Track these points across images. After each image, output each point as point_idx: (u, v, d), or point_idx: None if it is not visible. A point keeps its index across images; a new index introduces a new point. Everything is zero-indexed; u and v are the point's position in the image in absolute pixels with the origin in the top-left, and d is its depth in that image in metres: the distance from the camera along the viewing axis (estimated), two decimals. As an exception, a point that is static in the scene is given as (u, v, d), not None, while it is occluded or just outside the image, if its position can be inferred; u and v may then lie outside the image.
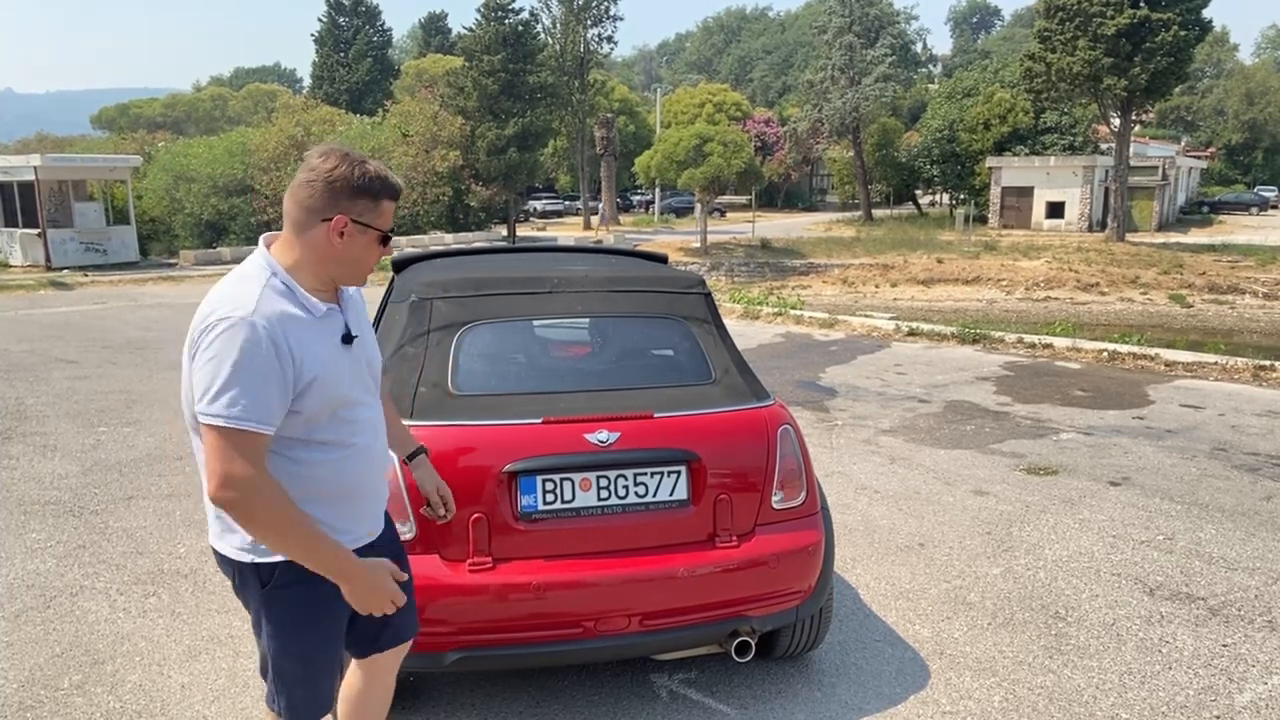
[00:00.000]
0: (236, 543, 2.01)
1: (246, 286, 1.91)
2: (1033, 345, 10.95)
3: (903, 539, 4.93)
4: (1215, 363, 9.62)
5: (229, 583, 2.13)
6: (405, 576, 2.12)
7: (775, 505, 3.11)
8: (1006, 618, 4.00)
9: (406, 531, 2.79)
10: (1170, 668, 3.57)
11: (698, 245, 33.77)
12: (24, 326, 13.55)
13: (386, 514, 2.32)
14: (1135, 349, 10.40)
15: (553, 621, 2.86)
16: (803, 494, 3.19)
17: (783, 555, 3.04)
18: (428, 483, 2.50)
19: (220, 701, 3.33)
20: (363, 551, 2.11)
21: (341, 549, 1.97)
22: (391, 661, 2.38)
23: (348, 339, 2.04)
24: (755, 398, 3.25)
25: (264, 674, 2.17)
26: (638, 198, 59.94)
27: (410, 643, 2.39)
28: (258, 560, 2.01)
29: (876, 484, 5.89)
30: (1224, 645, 3.74)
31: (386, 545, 2.26)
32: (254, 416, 1.83)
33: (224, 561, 2.08)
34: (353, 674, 2.42)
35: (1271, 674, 3.53)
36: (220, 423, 1.81)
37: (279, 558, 1.98)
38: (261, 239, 2.04)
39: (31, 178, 23.28)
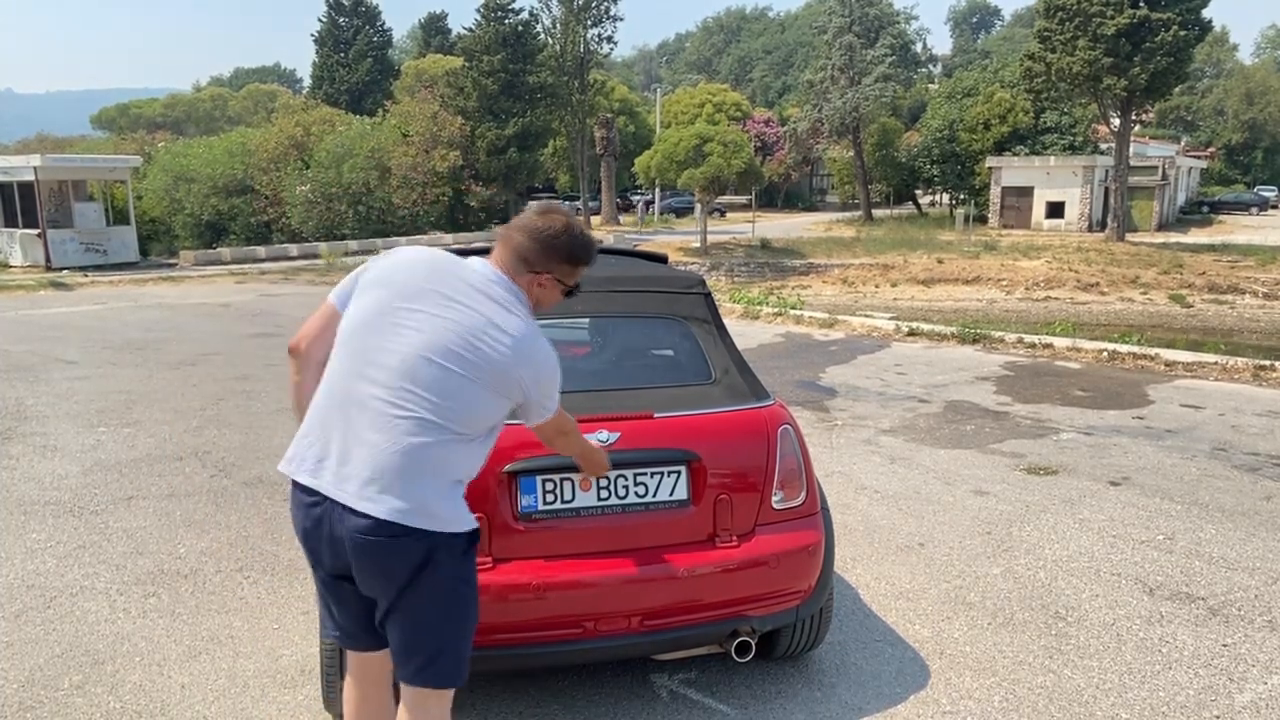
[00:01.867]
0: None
1: (523, 309, 2.34)
2: (1033, 345, 10.95)
3: (903, 539, 4.93)
4: (1215, 363, 9.62)
5: (384, 564, 2.15)
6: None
7: (775, 505, 3.11)
8: (1006, 618, 4.00)
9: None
10: (1170, 668, 3.57)
11: (698, 245, 33.77)
12: (24, 327, 13.55)
13: None
14: (1135, 349, 10.40)
15: (553, 622, 2.86)
16: (803, 494, 3.18)
17: (783, 555, 3.04)
18: None
19: (220, 701, 3.33)
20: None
21: (580, 439, 2.61)
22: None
23: None
24: (755, 397, 3.25)
25: (429, 665, 2.22)
26: (637, 198, 59.90)
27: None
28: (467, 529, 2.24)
29: (876, 484, 5.89)
30: (1224, 645, 3.74)
31: None
32: None
33: (413, 537, 2.12)
34: (351, 681, 2.44)
35: (1271, 674, 3.53)
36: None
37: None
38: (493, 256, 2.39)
39: (31, 178, 23.27)
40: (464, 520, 2.20)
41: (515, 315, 2.24)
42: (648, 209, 40.43)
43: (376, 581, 2.17)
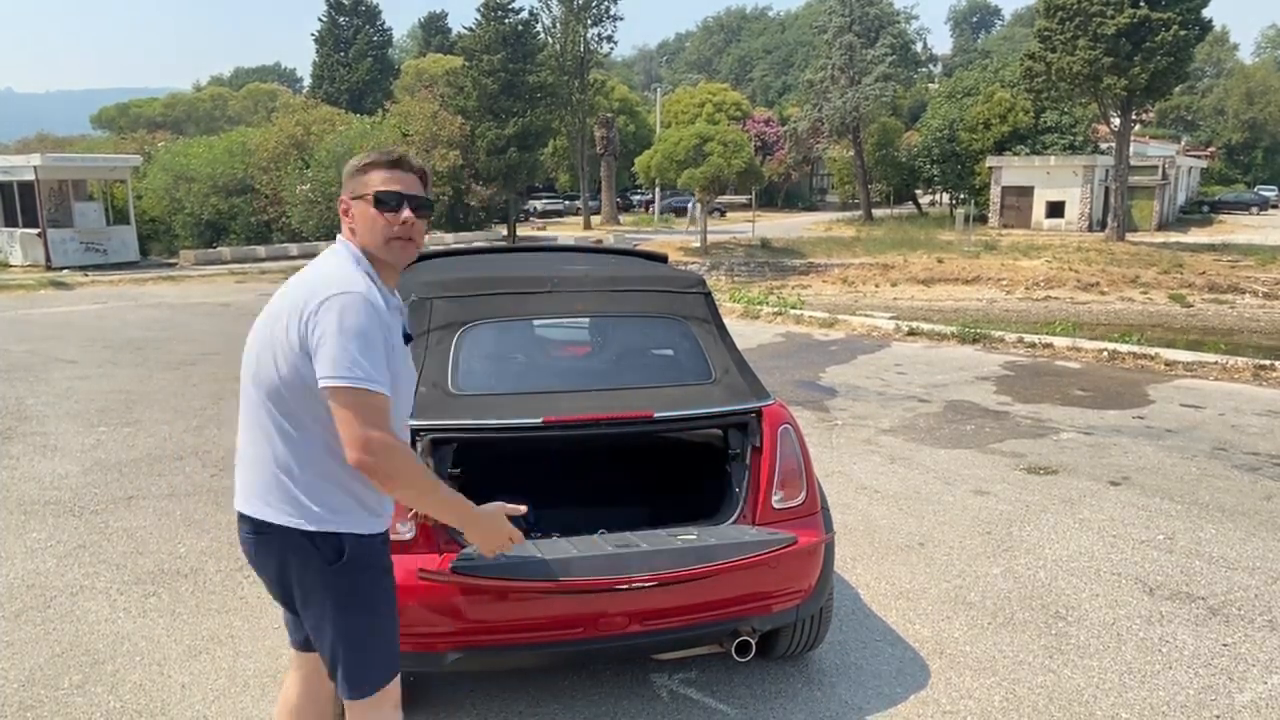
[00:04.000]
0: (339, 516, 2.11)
1: (346, 268, 2.08)
2: (1033, 345, 10.95)
3: (903, 539, 4.93)
4: (1215, 362, 9.62)
5: (262, 573, 2.19)
6: (521, 509, 2.27)
7: (775, 505, 3.11)
8: (1006, 617, 4.00)
9: (406, 532, 2.79)
10: (1170, 667, 3.57)
11: (698, 245, 33.76)
12: (24, 326, 13.55)
13: None
14: (1135, 348, 10.40)
15: (553, 621, 2.86)
16: (803, 494, 3.18)
17: (783, 555, 3.04)
18: None
19: (220, 701, 3.32)
20: (382, 537, 2.22)
21: (463, 498, 2.15)
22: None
23: (407, 338, 2.18)
24: (755, 397, 3.25)
25: (332, 675, 2.18)
26: (638, 197, 59.85)
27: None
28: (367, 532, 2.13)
29: (876, 484, 5.89)
30: (1224, 645, 3.74)
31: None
32: (378, 379, 1.96)
33: (308, 540, 2.08)
34: (293, 675, 2.42)
35: (1271, 673, 3.53)
36: (354, 384, 1.92)
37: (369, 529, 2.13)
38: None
39: (31, 177, 23.27)
40: (322, 519, 2.08)
41: (326, 266, 2.10)
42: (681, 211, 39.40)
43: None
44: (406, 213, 2.10)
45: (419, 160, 2.17)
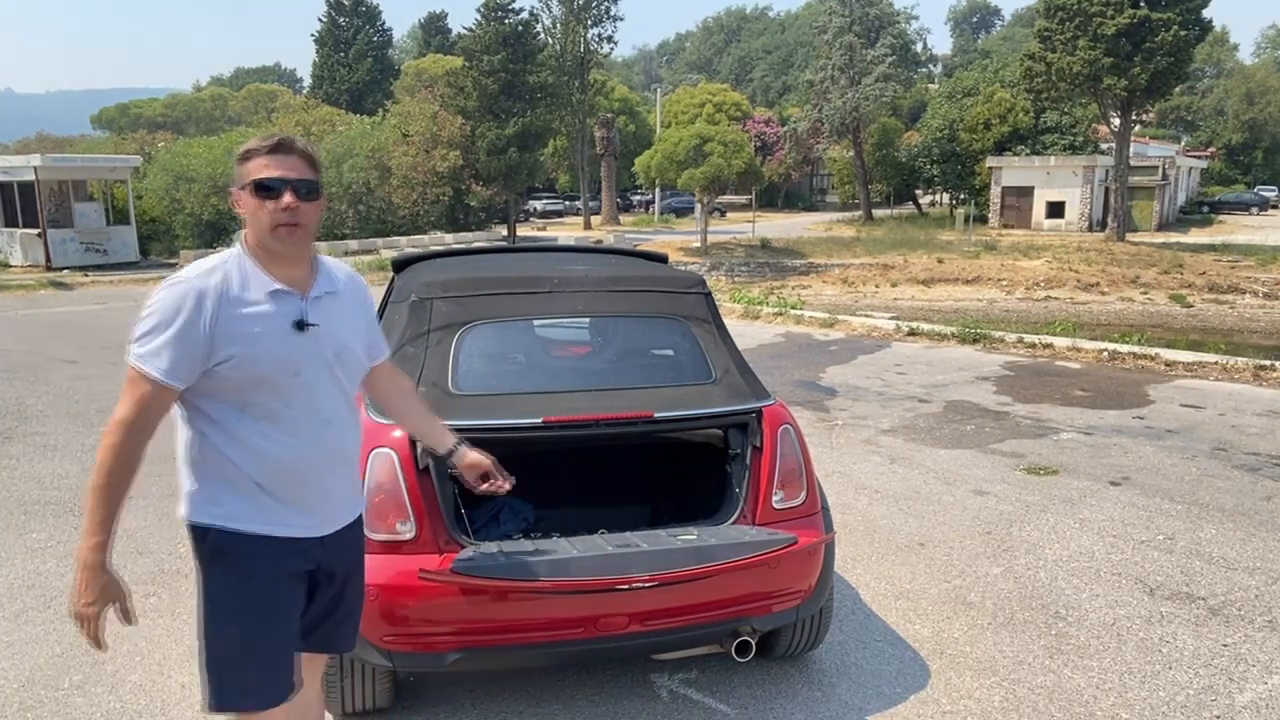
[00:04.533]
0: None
1: (209, 259, 2.07)
2: (1033, 345, 10.95)
3: (903, 539, 4.93)
4: (1215, 362, 9.62)
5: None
6: (132, 623, 2.06)
7: (775, 505, 3.11)
8: (1007, 617, 4.00)
9: (407, 531, 2.79)
10: (1170, 667, 3.57)
11: (698, 245, 33.77)
12: (24, 326, 13.55)
13: (358, 529, 2.31)
14: (1135, 349, 10.40)
15: (553, 621, 2.86)
16: (803, 494, 3.18)
17: (783, 555, 3.04)
18: (484, 460, 2.53)
19: (220, 701, 3.32)
20: (313, 543, 2.12)
21: (104, 544, 1.98)
22: (308, 668, 2.30)
23: (301, 325, 2.06)
24: (755, 397, 3.25)
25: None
26: (638, 198, 59.86)
27: (326, 658, 2.42)
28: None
29: (876, 484, 5.89)
30: (1224, 645, 3.74)
31: (340, 552, 2.22)
32: (157, 365, 1.95)
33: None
34: None
35: (1272, 674, 3.53)
36: (131, 360, 1.97)
37: (230, 525, 2.05)
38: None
39: (31, 178, 23.28)
40: (191, 509, 2.10)
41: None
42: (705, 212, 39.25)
43: None
44: (288, 198, 2.01)
45: (304, 143, 2.10)
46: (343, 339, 2.17)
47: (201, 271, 2.02)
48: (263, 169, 2.02)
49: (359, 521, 2.32)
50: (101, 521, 1.98)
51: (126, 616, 2.04)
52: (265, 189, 2.01)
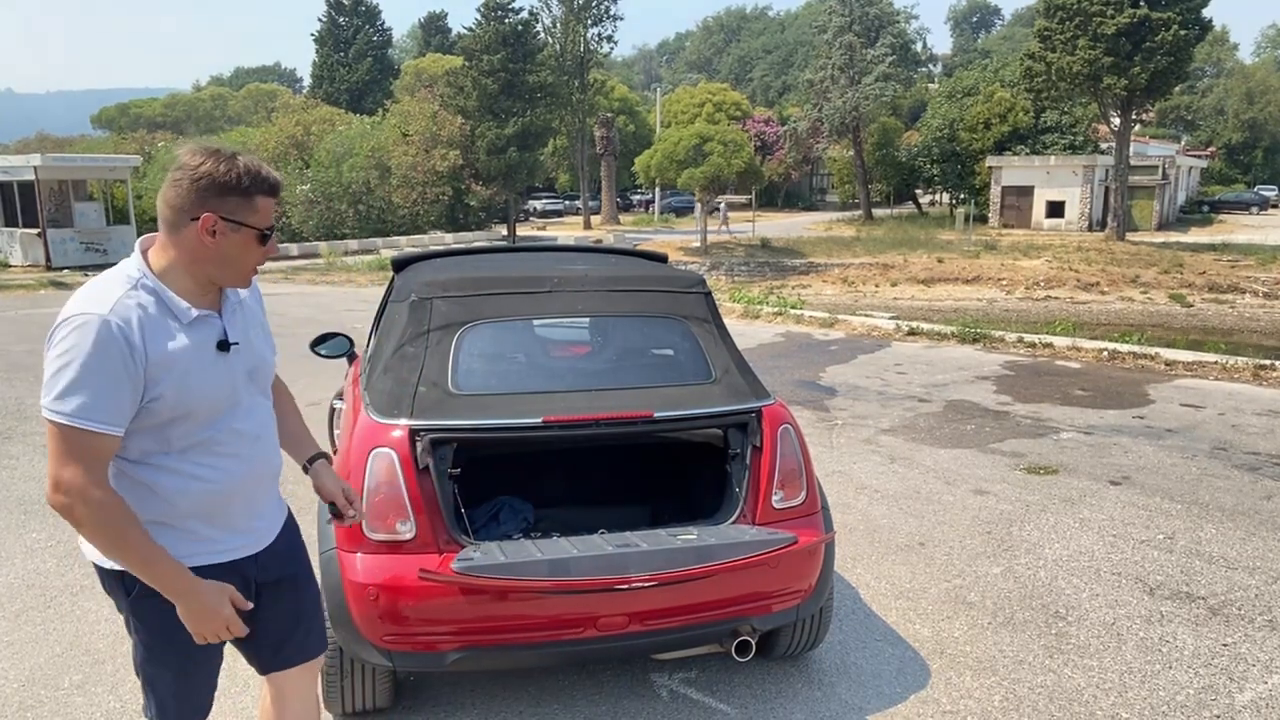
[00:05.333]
0: (89, 549, 1.95)
1: (109, 286, 1.86)
2: (1033, 345, 10.95)
3: (903, 538, 4.93)
4: (1215, 362, 9.62)
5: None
6: (248, 605, 2.00)
7: (775, 505, 3.11)
8: (1007, 617, 4.00)
9: (407, 531, 2.79)
10: (1170, 667, 3.57)
11: (698, 245, 33.77)
12: (24, 326, 13.55)
13: (292, 532, 2.25)
14: (1135, 348, 10.40)
15: (553, 621, 2.86)
16: (803, 493, 3.18)
17: (783, 555, 3.04)
18: (332, 487, 2.29)
19: (220, 701, 3.31)
20: (247, 561, 2.07)
21: (177, 567, 1.88)
22: (301, 679, 2.29)
23: (224, 346, 1.96)
24: (755, 397, 3.25)
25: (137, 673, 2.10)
26: (638, 197, 59.86)
27: (321, 660, 2.34)
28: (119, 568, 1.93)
29: (877, 483, 5.89)
30: (1224, 644, 3.74)
31: (279, 560, 2.17)
32: (97, 417, 1.77)
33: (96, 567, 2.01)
34: (265, 692, 2.36)
35: (1272, 673, 3.53)
36: (62, 420, 1.76)
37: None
38: (139, 241, 1.97)
39: (31, 177, 23.28)
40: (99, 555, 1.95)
41: (91, 283, 1.90)
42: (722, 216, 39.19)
43: None
44: (272, 242, 1.96)
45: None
46: (258, 350, 2.09)
47: (112, 303, 1.81)
48: (269, 212, 1.93)
49: (290, 524, 2.25)
50: (147, 560, 1.85)
51: (241, 600, 1.98)
52: (266, 238, 1.94)
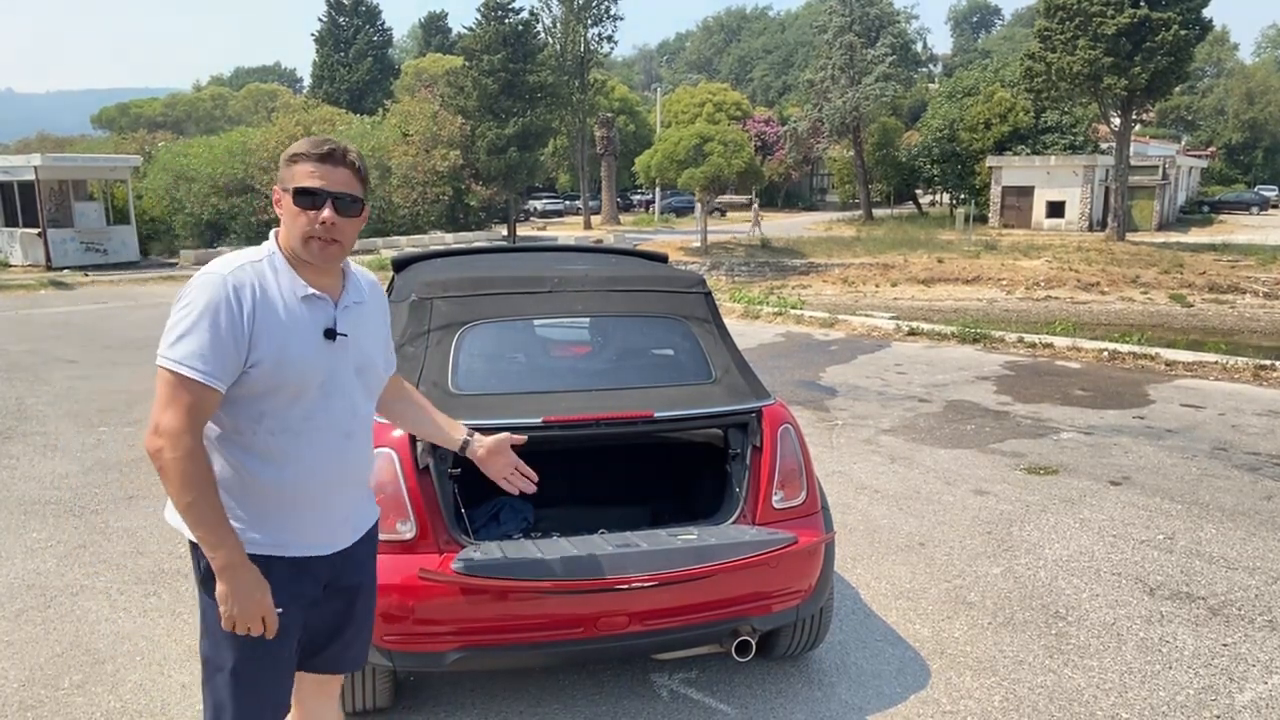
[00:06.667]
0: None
1: (238, 256, 1.99)
2: (1033, 345, 10.95)
3: (903, 539, 4.93)
4: (1216, 362, 9.62)
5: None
6: (275, 615, 1.96)
7: (775, 505, 3.11)
8: (1007, 617, 4.00)
9: (407, 531, 2.79)
10: (1170, 667, 3.57)
11: (698, 245, 33.76)
12: (24, 326, 13.55)
13: (372, 541, 2.22)
14: (1135, 348, 10.40)
15: (553, 621, 2.86)
16: (803, 493, 3.18)
17: (783, 555, 3.04)
18: (498, 459, 2.43)
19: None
20: (316, 564, 2.04)
21: (234, 542, 1.89)
22: (315, 689, 2.24)
23: (330, 334, 1.99)
24: (755, 397, 3.25)
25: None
26: (638, 197, 59.85)
27: (340, 678, 2.30)
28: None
29: (877, 483, 5.89)
30: (1224, 645, 3.74)
31: (352, 567, 2.14)
32: (201, 366, 1.84)
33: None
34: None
35: (1272, 673, 3.53)
36: (170, 364, 1.86)
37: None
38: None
39: (31, 177, 23.27)
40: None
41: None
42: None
43: None
44: (327, 212, 1.93)
45: (356, 154, 2.00)
46: (368, 351, 2.10)
47: (237, 265, 1.93)
48: (308, 176, 1.94)
49: (373, 532, 2.23)
50: (211, 526, 1.87)
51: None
52: (307, 195, 1.94)
